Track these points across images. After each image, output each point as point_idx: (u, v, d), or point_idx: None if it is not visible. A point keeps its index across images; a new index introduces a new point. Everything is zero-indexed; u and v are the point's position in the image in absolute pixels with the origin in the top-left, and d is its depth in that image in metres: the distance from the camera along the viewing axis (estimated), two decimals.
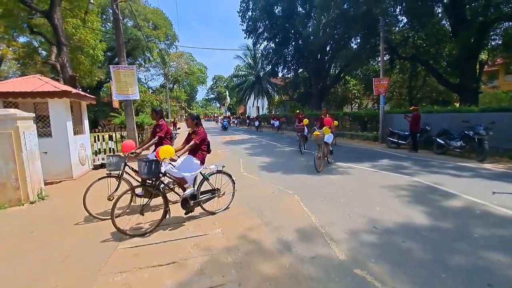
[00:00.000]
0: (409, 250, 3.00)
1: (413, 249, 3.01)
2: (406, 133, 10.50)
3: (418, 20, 14.63)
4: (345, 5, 16.89)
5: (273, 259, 2.92)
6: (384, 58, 17.40)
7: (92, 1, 12.22)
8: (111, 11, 9.62)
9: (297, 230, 3.58)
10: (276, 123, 22.92)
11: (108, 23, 28.56)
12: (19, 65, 22.82)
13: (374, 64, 24.23)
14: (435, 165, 7.46)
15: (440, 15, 16.49)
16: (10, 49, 19.22)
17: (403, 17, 16.69)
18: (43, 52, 21.03)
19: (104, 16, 28.42)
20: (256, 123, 26.40)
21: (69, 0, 12.15)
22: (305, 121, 10.82)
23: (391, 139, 11.28)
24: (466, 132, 8.38)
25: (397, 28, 17.74)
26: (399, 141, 10.92)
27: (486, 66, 19.54)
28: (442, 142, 9.14)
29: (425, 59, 17.33)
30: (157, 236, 3.55)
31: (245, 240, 3.37)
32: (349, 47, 20.77)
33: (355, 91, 29.94)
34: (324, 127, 7.47)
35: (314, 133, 7.23)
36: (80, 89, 23.99)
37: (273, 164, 8.30)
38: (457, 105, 17.09)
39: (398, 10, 15.99)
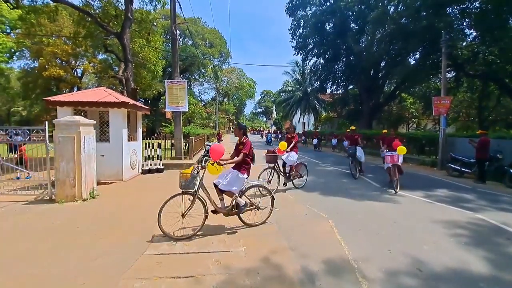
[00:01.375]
0: None
1: None
2: (472, 160, 9.12)
3: (490, 34, 12.96)
4: (403, 19, 15.89)
5: None
6: (449, 75, 15.74)
7: (155, 24, 13.81)
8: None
9: (326, 260, 3.26)
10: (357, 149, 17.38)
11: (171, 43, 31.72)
12: (96, 78, 26.65)
13: (436, 81, 22.06)
14: (506, 201, 6.25)
15: None
16: (91, 64, 22.62)
17: (472, 31, 14.98)
18: (116, 67, 24.21)
19: (168, 36, 31.65)
20: (315, 140, 21.00)
21: (137, 23, 13.97)
22: (402, 149, 7.19)
23: (453, 165, 9.91)
24: None
25: (464, 43, 15.96)
26: (463, 169, 9.52)
27: None
28: None
29: (499, 77, 15.13)
30: (183, 246, 3.59)
31: (267, 263, 3.19)
32: (406, 63, 19.33)
33: (413, 110, 27.52)
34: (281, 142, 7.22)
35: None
36: (142, 101, 26.79)
37: (311, 184, 7.92)
38: None
39: (465, 23, 14.44)
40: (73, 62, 25.13)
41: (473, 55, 15.98)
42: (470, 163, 9.24)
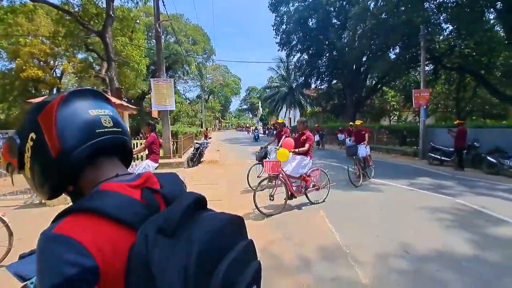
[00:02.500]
0: (444, 281, 2.69)
1: (448, 280, 2.70)
2: (451, 149, 9.63)
3: (465, 28, 13.58)
4: (383, 14, 16.36)
5: (291, 276, 2.82)
6: (427, 68, 16.39)
7: (138, 21, 13.53)
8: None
9: (320, 248, 3.43)
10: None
11: (153, 40, 30.99)
12: (76, 78, 25.70)
13: (416, 74, 22.88)
14: (484, 186, 6.68)
15: (492, 21, 15.17)
16: (70, 64, 21.83)
17: (448, 25, 15.64)
18: (96, 66, 23.41)
19: (150, 34, 30.92)
20: (317, 137, 16.58)
21: (119, 21, 13.61)
22: (283, 153, 4.71)
23: (433, 155, 10.41)
24: None
25: (441, 37, 16.65)
26: (443, 158, 10.03)
27: None
28: (494, 161, 8.19)
29: (474, 69, 15.92)
30: None
31: (265, 253, 3.31)
32: (387, 58, 19.93)
33: (394, 103, 28.44)
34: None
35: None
36: (126, 100, 26.13)
37: None
38: None
39: (442, 18, 15.06)
40: (52, 62, 24.10)
41: (450, 48, 16.73)
42: (450, 152, 9.75)
